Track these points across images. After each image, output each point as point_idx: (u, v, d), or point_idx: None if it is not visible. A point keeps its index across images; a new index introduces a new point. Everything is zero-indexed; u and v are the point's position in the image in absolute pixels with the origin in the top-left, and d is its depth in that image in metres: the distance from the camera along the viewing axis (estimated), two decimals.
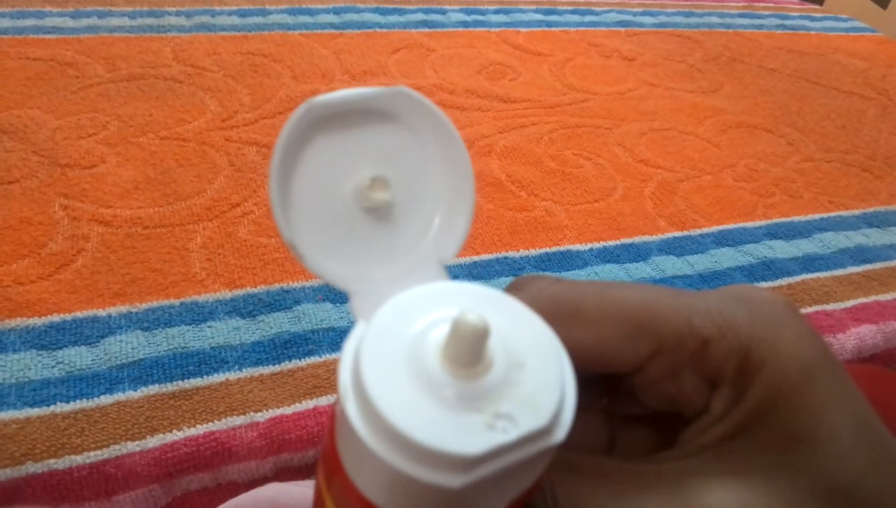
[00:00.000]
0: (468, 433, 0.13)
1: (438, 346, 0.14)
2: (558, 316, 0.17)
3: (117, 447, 0.40)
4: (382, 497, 0.14)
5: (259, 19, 0.89)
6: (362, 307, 0.16)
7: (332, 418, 0.15)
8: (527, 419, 0.13)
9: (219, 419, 0.42)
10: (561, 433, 0.14)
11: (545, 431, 0.13)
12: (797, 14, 1.26)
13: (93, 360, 0.44)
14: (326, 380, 0.46)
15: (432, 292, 0.16)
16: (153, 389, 0.43)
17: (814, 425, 0.16)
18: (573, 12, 1.10)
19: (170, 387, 0.43)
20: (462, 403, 0.13)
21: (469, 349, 0.13)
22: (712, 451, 0.17)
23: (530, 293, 0.18)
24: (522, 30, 1.01)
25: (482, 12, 1.04)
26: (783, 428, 0.16)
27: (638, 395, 0.19)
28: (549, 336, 0.15)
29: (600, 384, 0.21)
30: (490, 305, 0.15)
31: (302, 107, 0.16)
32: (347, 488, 0.14)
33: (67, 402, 0.41)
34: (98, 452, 0.39)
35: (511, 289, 0.19)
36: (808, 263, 0.64)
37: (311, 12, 0.93)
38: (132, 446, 0.40)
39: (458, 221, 0.17)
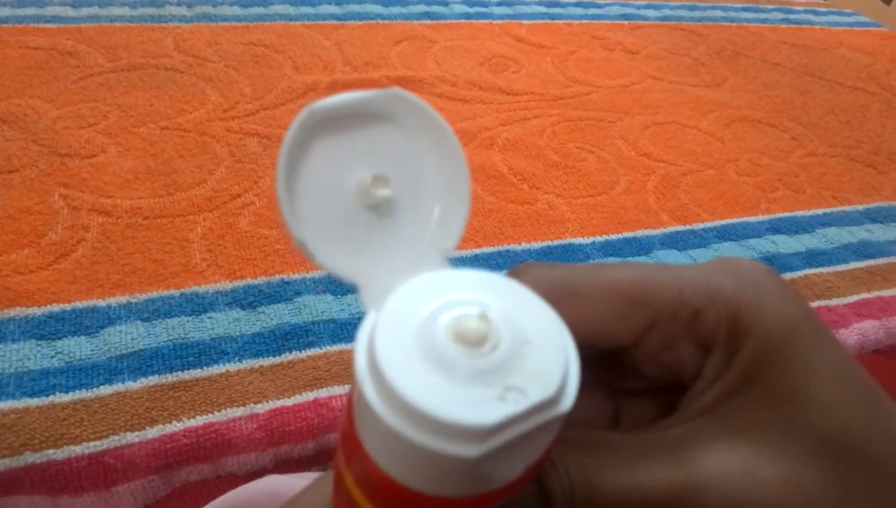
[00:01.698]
0: (481, 406, 0.14)
1: (447, 328, 0.15)
2: (557, 298, 0.17)
3: (117, 437, 0.39)
4: (403, 472, 0.15)
5: (261, 10, 0.89)
6: (371, 298, 0.17)
7: (348, 402, 0.16)
8: (535, 390, 0.14)
9: (218, 411, 0.42)
10: (567, 403, 0.14)
11: (553, 401, 0.14)
12: (801, 8, 1.25)
13: (92, 350, 0.44)
14: (327, 372, 0.45)
15: (437, 279, 0.16)
16: (153, 380, 0.43)
17: (802, 381, 0.17)
18: (576, 5, 1.09)
19: (170, 378, 0.43)
20: (473, 379, 0.14)
21: (476, 333, 0.15)
22: (710, 414, 0.18)
23: (529, 278, 0.18)
24: (525, 22, 1.00)
25: (485, 4, 1.03)
26: (774, 386, 0.17)
27: (639, 368, 0.20)
28: (550, 315, 0.16)
29: (602, 361, 0.21)
30: (493, 288, 0.16)
31: (303, 113, 0.17)
32: (368, 466, 0.15)
33: (67, 392, 0.41)
34: (97, 442, 0.39)
35: (510, 276, 0.19)
36: (811, 258, 0.64)
37: (313, 3, 0.93)
38: (131, 437, 0.40)
39: (457, 213, 0.18)
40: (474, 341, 0.15)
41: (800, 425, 0.17)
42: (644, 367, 0.20)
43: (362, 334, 0.15)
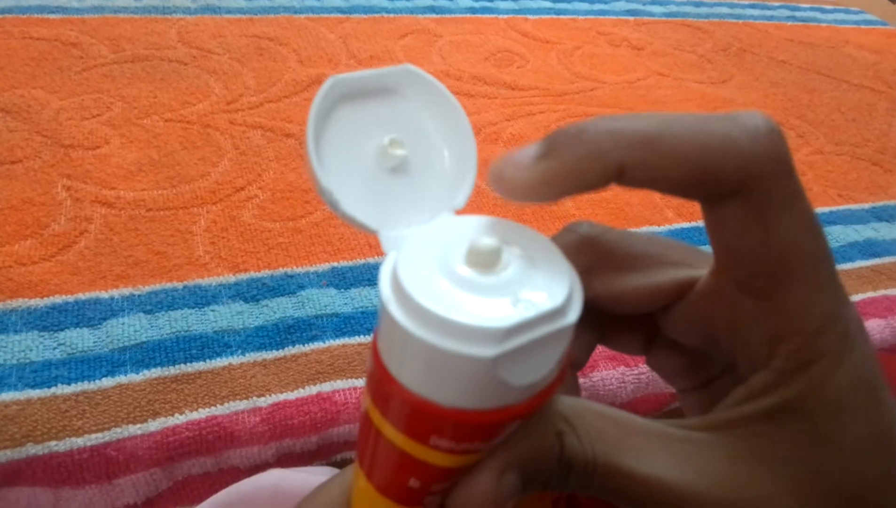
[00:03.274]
0: (496, 313, 0.15)
1: (462, 253, 0.17)
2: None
3: (119, 429, 0.39)
4: (426, 385, 0.16)
5: (265, 2, 0.88)
6: (391, 241, 0.19)
7: (374, 340, 0.18)
8: (544, 301, 0.16)
9: (221, 404, 0.42)
10: (574, 315, 0.16)
11: (560, 311, 0.16)
12: (808, 6, 1.25)
13: (95, 342, 0.44)
14: (330, 366, 0.45)
15: (451, 221, 0.19)
16: (155, 372, 0.43)
17: (843, 432, 0.17)
18: (582, 0, 1.09)
19: (172, 370, 0.43)
20: (487, 292, 0.16)
21: (488, 254, 0.16)
22: (742, 429, 0.18)
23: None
24: (531, 17, 1.00)
25: None
26: (813, 428, 0.17)
27: (676, 329, 0.21)
28: (554, 247, 0.18)
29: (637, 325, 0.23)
30: (501, 225, 0.18)
31: (328, 82, 0.19)
32: (394, 389, 0.17)
33: (69, 384, 0.41)
34: (99, 434, 0.39)
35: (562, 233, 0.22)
36: None
37: None
38: (134, 429, 0.40)
39: (466, 174, 0.20)
40: (487, 262, 0.16)
41: (828, 473, 0.17)
42: (682, 328, 0.21)
43: (385, 268, 0.17)
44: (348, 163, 0.20)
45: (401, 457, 0.18)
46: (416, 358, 0.16)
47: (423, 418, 0.16)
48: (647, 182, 0.17)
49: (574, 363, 0.23)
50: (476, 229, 0.18)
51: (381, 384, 0.17)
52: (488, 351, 0.15)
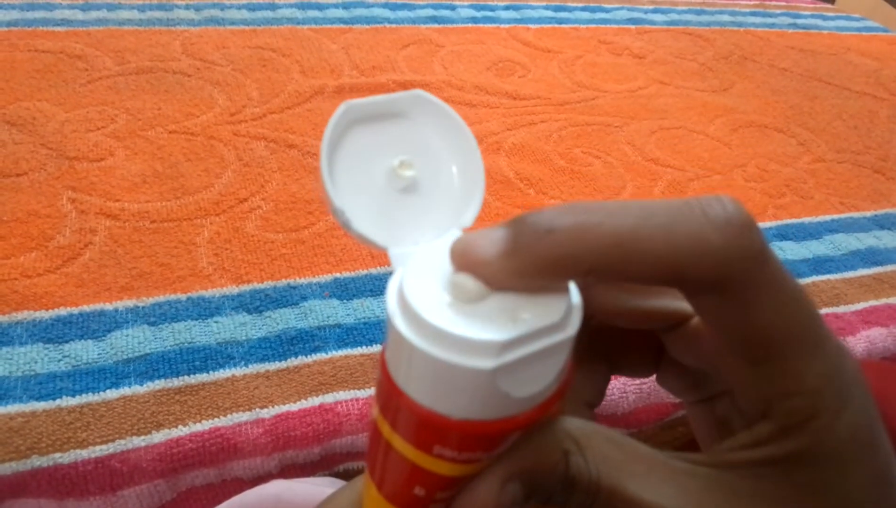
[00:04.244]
0: (497, 327, 0.16)
1: (466, 274, 0.17)
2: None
3: (123, 441, 0.40)
4: (430, 396, 0.17)
5: (268, 13, 0.89)
6: (400, 258, 0.20)
7: (381, 355, 0.18)
8: (542, 317, 0.17)
9: (224, 416, 0.42)
10: (571, 330, 0.17)
11: (559, 325, 0.17)
12: (809, 13, 1.25)
13: (99, 354, 0.44)
14: (332, 377, 0.45)
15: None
16: (159, 384, 0.43)
17: (844, 479, 0.17)
18: (583, 9, 1.09)
19: (176, 382, 0.43)
20: (489, 310, 0.17)
21: (470, 292, 0.17)
22: (745, 471, 0.18)
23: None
24: (532, 26, 1.00)
25: (492, 8, 1.03)
26: (815, 475, 0.17)
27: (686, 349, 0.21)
28: None
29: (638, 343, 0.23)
30: None
31: (341, 107, 0.20)
32: (401, 402, 0.17)
33: (73, 396, 0.41)
34: (103, 446, 0.39)
35: None
36: (819, 264, 0.64)
37: (320, 7, 0.93)
38: (137, 441, 0.40)
39: (474, 194, 0.21)
40: (471, 299, 0.17)
41: None
42: (693, 348, 0.21)
43: (392, 283, 0.18)
44: (360, 183, 0.21)
45: (407, 466, 0.18)
46: (420, 370, 0.17)
47: (427, 428, 0.17)
48: (617, 281, 0.17)
49: (590, 402, 0.23)
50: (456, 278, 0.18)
51: (389, 396, 0.18)
52: (488, 363, 0.16)
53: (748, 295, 0.17)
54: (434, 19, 0.96)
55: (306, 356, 0.46)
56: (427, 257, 0.19)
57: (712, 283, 0.17)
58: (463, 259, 0.17)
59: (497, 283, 0.17)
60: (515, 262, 0.17)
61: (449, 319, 0.16)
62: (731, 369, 0.19)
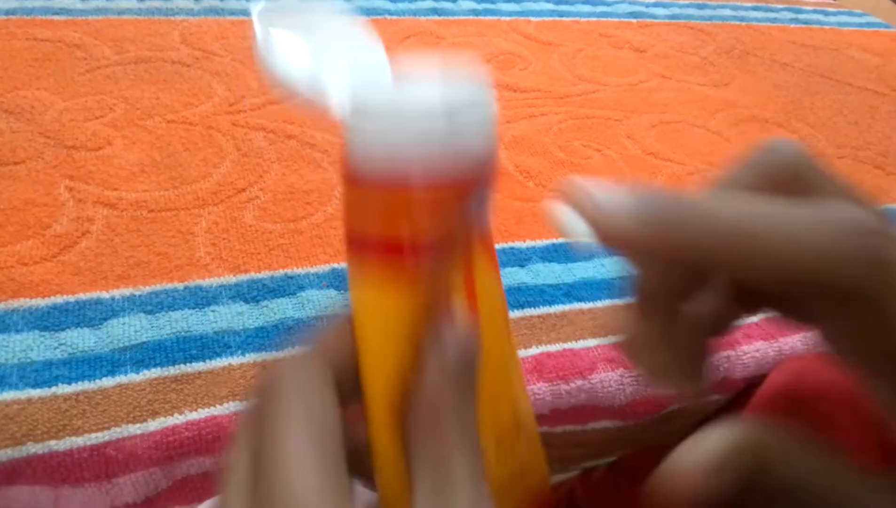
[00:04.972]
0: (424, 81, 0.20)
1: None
2: None
3: (118, 429, 0.40)
4: (371, 156, 0.19)
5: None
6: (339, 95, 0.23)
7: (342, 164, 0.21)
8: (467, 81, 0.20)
9: (221, 404, 0.42)
10: (488, 89, 0.21)
11: (478, 84, 0.20)
12: (811, 8, 1.25)
13: (95, 342, 0.44)
14: None
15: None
16: (155, 372, 0.43)
17: None
18: (585, 2, 1.09)
19: (172, 371, 0.43)
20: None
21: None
22: None
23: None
24: (533, 19, 1.00)
25: (493, 0, 1.03)
26: None
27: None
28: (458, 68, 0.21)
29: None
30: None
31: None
32: (350, 177, 0.20)
33: (69, 383, 0.41)
34: (99, 434, 0.39)
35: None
36: None
37: None
38: (133, 429, 0.40)
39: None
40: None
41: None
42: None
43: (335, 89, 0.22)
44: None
45: (383, 211, 0.21)
46: (365, 129, 0.20)
47: (372, 202, 0.20)
48: (736, 281, 0.17)
49: (710, 330, 0.22)
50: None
51: (347, 196, 0.21)
52: (423, 94, 0.19)
53: (886, 318, 0.16)
54: (435, 11, 0.96)
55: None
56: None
57: (845, 296, 0.16)
58: (587, 211, 0.17)
59: (617, 238, 0.17)
60: (647, 228, 0.16)
61: (391, 94, 0.20)
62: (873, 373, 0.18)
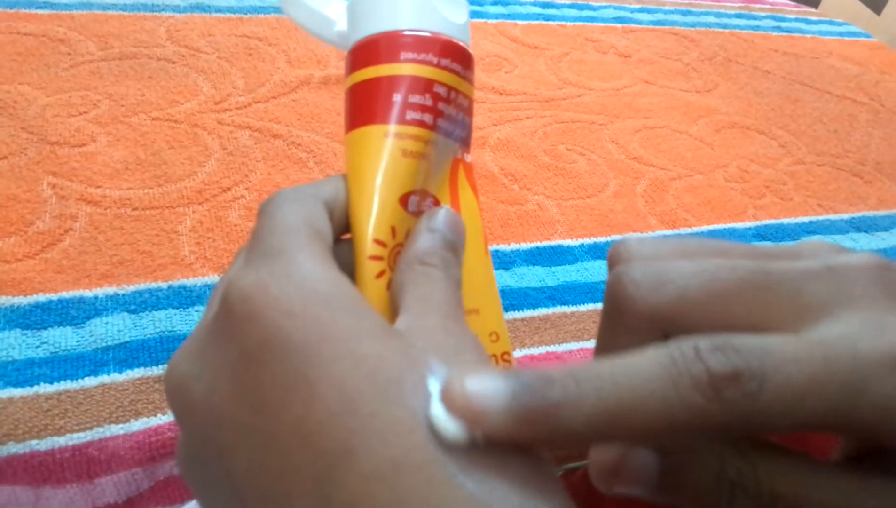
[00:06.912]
0: None
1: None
2: None
3: (101, 429, 0.39)
4: (387, 21, 0.26)
5: (255, 1, 0.88)
6: None
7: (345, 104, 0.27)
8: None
9: None
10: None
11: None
12: (793, 16, 1.26)
13: (78, 341, 0.44)
14: None
15: None
16: (139, 372, 0.43)
17: None
18: (571, 7, 1.10)
19: (155, 371, 0.43)
20: None
21: None
22: None
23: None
24: (520, 22, 1.00)
25: (480, 3, 1.03)
26: None
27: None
28: None
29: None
30: None
31: None
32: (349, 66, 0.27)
33: (51, 383, 0.41)
34: (81, 434, 0.39)
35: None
36: None
37: None
38: (116, 429, 0.40)
39: None
40: None
41: None
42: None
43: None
44: None
45: (378, 85, 0.25)
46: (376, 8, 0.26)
47: (392, 42, 0.25)
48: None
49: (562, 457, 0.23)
50: None
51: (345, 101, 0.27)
52: None
53: None
54: None
55: None
56: None
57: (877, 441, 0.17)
58: (455, 404, 0.16)
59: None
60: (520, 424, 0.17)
61: None
62: None
